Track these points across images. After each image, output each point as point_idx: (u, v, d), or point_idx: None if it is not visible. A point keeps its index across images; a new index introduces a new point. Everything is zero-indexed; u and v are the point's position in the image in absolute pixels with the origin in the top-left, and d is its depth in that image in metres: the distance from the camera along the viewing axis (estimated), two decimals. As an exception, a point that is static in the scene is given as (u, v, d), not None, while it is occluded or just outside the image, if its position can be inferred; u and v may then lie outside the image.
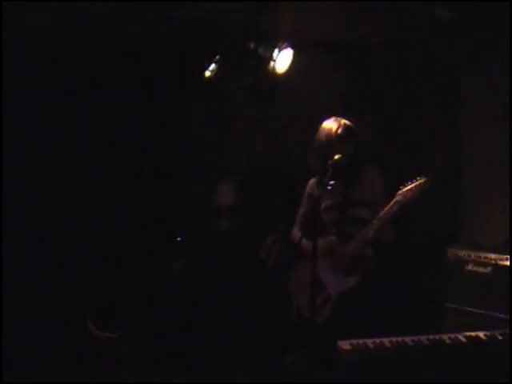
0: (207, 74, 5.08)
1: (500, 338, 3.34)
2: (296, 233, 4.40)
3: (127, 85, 5.66)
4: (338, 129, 4.05)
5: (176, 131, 5.96)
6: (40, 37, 5.08)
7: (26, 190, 5.27)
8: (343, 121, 4.10)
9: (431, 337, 3.37)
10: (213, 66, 5.06)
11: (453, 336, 3.39)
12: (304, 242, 4.15)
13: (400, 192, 3.83)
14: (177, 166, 5.96)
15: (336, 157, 3.89)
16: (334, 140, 4.03)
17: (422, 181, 3.79)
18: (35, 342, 4.87)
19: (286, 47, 4.71)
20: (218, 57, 5.04)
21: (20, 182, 5.23)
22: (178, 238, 5.69)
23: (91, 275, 5.40)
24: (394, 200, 3.84)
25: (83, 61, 5.46)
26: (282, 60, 4.76)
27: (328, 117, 4.20)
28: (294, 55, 4.83)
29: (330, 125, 4.09)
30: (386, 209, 3.87)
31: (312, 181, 4.31)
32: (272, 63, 4.71)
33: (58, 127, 5.51)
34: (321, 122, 4.20)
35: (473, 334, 3.41)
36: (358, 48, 5.47)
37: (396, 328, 3.55)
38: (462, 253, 4.78)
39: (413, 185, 3.80)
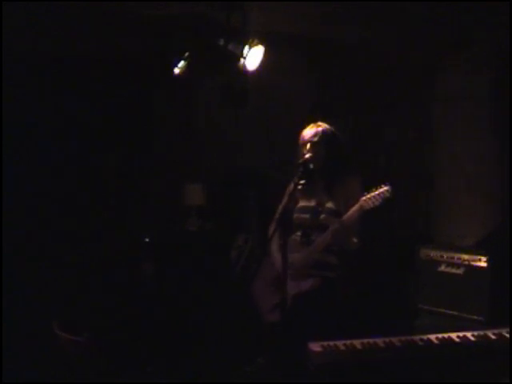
0: (176, 71, 5.00)
1: (472, 339, 3.31)
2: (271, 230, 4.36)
3: (94, 85, 5.60)
4: (309, 133, 4.08)
5: (145, 130, 5.88)
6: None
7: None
8: (320, 126, 4.10)
9: (403, 338, 3.32)
10: (182, 63, 4.98)
11: (425, 338, 3.34)
12: (273, 241, 4.11)
13: (363, 198, 3.79)
14: (147, 166, 5.86)
15: (306, 156, 3.93)
16: (305, 143, 4.05)
17: (384, 188, 3.75)
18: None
19: (256, 44, 4.63)
20: (187, 54, 4.95)
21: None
22: (146, 239, 5.62)
23: (60, 277, 5.31)
24: (357, 205, 3.82)
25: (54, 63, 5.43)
26: (253, 57, 4.68)
27: (300, 116, 4.23)
28: (266, 53, 4.75)
29: (306, 129, 4.12)
30: (349, 213, 3.85)
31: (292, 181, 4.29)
32: (242, 60, 4.63)
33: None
34: (293, 122, 4.24)
35: (445, 335, 3.37)
36: (332, 46, 5.42)
37: (367, 330, 3.50)
38: (435, 253, 4.77)
39: (376, 192, 3.77)
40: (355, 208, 3.82)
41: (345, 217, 3.87)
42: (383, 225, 4.93)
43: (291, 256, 3.97)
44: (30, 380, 4.37)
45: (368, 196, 3.78)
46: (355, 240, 3.96)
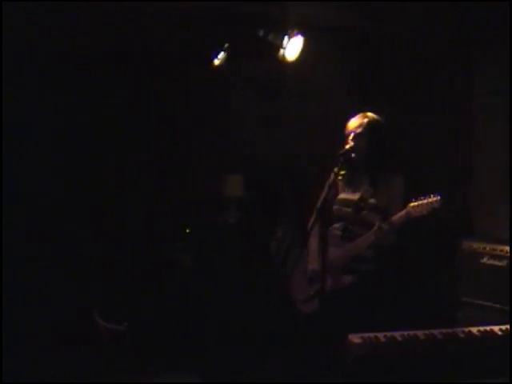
0: (216, 62, 5.02)
1: (515, 332, 3.26)
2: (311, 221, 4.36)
3: (134, 76, 5.64)
4: (353, 123, 4.06)
5: (185, 121, 5.90)
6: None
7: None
8: (366, 117, 4.07)
9: (444, 331, 3.29)
10: (221, 54, 4.99)
11: (466, 330, 3.30)
12: (312, 232, 4.08)
13: (411, 205, 3.75)
14: (186, 157, 5.88)
15: (346, 147, 3.94)
16: (349, 133, 4.03)
17: (434, 199, 3.70)
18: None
19: (296, 34, 4.62)
20: (226, 45, 4.95)
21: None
22: (187, 230, 5.64)
23: (98, 269, 5.36)
24: (406, 210, 3.77)
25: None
26: (292, 48, 4.67)
27: (337, 108, 4.20)
28: (304, 44, 4.73)
29: (352, 119, 4.09)
30: (396, 217, 3.81)
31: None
32: (282, 51, 4.62)
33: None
34: (330, 113, 4.20)
35: (487, 328, 3.33)
36: (369, 38, 5.36)
37: (407, 322, 3.48)
38: (477, 245, 4.71)
39: (425, 201, 3.71)
40: (403, 213, 3.77)
41: (390, 220, 3.81)
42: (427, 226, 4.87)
43: (330, 250, 3.95)
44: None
45: (416, 204, 3.73)
46: (393, 238, 3.91)
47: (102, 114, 5.60)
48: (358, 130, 4.01)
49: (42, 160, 5.45)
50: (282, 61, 4.66)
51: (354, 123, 4.05)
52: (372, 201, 3.99)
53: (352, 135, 4.01)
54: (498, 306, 4.48)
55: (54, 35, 5.10)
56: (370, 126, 4.02)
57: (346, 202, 4.08)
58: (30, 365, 4.52)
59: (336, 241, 4.01)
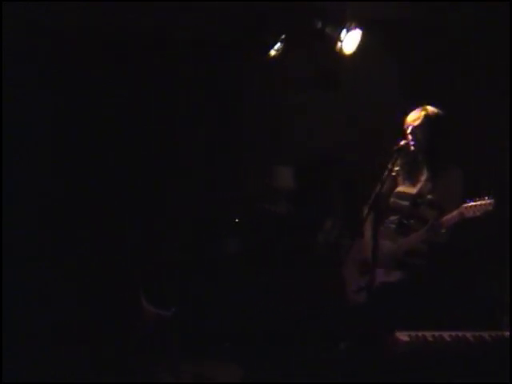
0: (272, 52, 5.01)
1: None
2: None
3: (191, 65, 5.64)
4: (412, 117, 4.06)
5: (237, 111, 5.89)
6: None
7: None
8: (425, 110, 4.06)
9: (493, 333, 3.26)
10: (278, 45, 4.98)
11: (516, 333, 3.26)
12: (367, 224, 4.07)
13: (465, 205, 3.72)
14: (238, 146, 5.89)
15: (401, 143, 3.91)
16: (407, 127, 4.03)
17: (488, 201, 3.67)
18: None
19: (354, 28, 4.59)
20: (283, 36, 4.94)
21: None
22: (236, 220, 5.65)
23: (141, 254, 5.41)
24: (458, 211, 3.75)
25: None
26: (350, 41, 4.65)
27: (394, 104, 4.18)
28: (363, 36, 4.70)
29: (411, 113, 4.09)
30: (448, 216, 3.80)
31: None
32: (339, 44, 4.60)
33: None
34: (383, 108, 4.19)
35: (538, 332, 3.28)
36: (425, 33, 5.28)
37: (454, 323, 3.46)
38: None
39: (479, 203, 3.69)
40: (455, 213, 3.75)
41: (444, 219, 3.80)
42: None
43: (384, 243, 3.95)
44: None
45: (470, 204, 3.71)
46: (446, 235, 3.89)
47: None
48: (417, 123, 4.00)
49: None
50: (340, 54, 4.63)
51: (412, 116, 4.04)
52: (430, 196, 3.97)
53: (410, 128, 4.00)
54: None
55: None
56: (428, 119, 4.01)
57: (404, 196, 4.07)
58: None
59: (390, 234, 4.02)
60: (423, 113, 4.02)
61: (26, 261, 5.11)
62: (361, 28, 4.66)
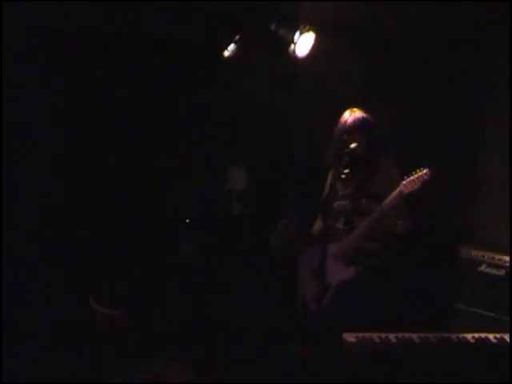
0: (226, 53, 5.00)
1: (509, 340, 3.26)
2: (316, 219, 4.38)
3: (143, 66, 5.64)
4: (352, 121, 4.07)
5: (192, 112, 5.87)
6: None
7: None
8: (360, 113, 4.10)
9: (439, 335, 3.29)
10: (232, 46, 4.97)
11: (461, 336, 3.30)
12: (316, 228, 4.18)
13: (403, 182, 3.82)
14: (191, 147, 5.86)
15: (352, 145, 3.95)
16: (347, 131, 4.05)
17: (423, 172, 3.79)
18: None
19: (307, 30, 4.59)
20: (238, 37, 4.93)
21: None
22: (187, 220, 5.64)
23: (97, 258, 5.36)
24: (397, 190, 3.84)
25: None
26: (304, 43, 4.65)
27: (347, 107, 4.19)
28: (316, 40, 4.71)
29: (346, 117, 4.11)
30: (388, 199, 3.87)
31: (332, 170, 4.28)
32: (293, 46, 4.60)
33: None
34: (341, 111, 4.19)
35: (482, 335, 3.32)
36: (383, 36, 5.34)
37: (401, 324, 3.48)
38: (476, 253, 4.68)
39: (415, 176, 3.80)
40: (395, 193, 3.83)
41: (384, 204, 3.87)
42: (428, 211, 4.88)
43: (334, 244, 3.97)
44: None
45: (407, 180, 3.81)
46: (402, 223, 3.95)
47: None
48: (357, 127, 4.03)
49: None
50: (293, 56, 4.63)
51: (350, 120, 4.06)
52: (369, 188, 4.03)
53: (354, 133, 4.02)
54: (493, 314, 4.47)
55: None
56: (365, 121, 4.06)
57: (344, 196, 4.11)
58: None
59: (341, 235, 4.05)
60: (360, 115, 4.06)
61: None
62: (315, 31, 4.66)
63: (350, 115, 4.08)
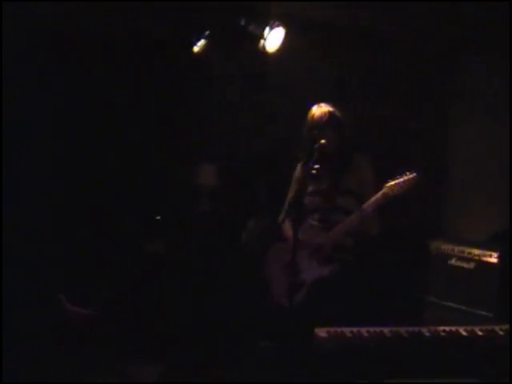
0: (195, 49, 4.97)
1: (480, 333, 3.27)
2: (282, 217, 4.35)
3: (112, 63, 5.60)
4: (319, 115, 4.03)
5: (162, 108, 5.84)
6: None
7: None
8: (327, 108, 4.06)
9: (410, 329, 3.29)
10: (201, 42, 4.95)
11: (432, 329, 3.30)
12: (286, 225, 4.14)
13: (388, 185, 3.78)
14: (162, 144, 5.82)
15: (322, 141, 3.90)
16: (316, 126, 4.01)
17: (411, 176, 3.75)
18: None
19: (277, 26, 4.59)
20: (207, 32, 4.91)
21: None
22: (158, 217, 5.61)
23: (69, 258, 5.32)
24: (381, 192, 3.80)
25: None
26: (273, 39, 4.65)
27: (316, 103, 4.16)
28: (287, 36, 4.70)
29: (313, 111, 4.07)
30: (371, 200, 3.82)
31: (300, 165, 4.24)
32: (262, 41, 4.59)
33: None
34: (310, 108, 4.16)
35: (453, 328, 3.33)
36: (354, 33, 5.36)
37: (374, 319, 3.48)
38: (446, 247, 4.73)
39: (401, 179, 3.76)
40: (378, 195, 3.80)
41: (366, 204, 3.83)
42: (404, 212, 4.89)
43: (310, 240, 3.95)
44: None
45: (392, 183, 3.77)
46: (376, 227, 3.95)
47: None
48: (327, 122, 3.99)
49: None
50: (263, 52, 4.62)
51: (319, 115, 4.02)
52: (343, 186, 4.00)
53: (323, 128, 3.98)
54: (464, 307, 4.51)
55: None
56: (334, 116, 4.03)
57: (316, 193, 4.08)
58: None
59: (316, 231, 4.02)
60: (329, 110, 4.02)
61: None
62: (285, 26, 4.65)
63: (317, 109, 4.04)
